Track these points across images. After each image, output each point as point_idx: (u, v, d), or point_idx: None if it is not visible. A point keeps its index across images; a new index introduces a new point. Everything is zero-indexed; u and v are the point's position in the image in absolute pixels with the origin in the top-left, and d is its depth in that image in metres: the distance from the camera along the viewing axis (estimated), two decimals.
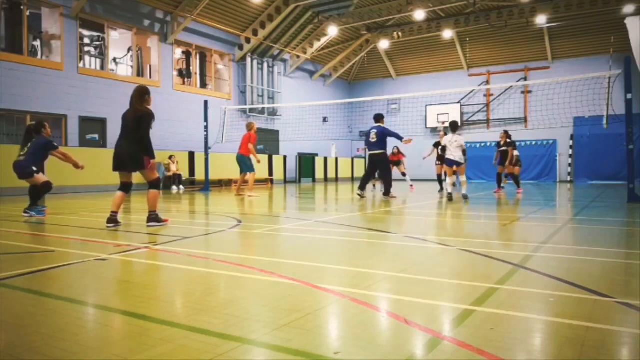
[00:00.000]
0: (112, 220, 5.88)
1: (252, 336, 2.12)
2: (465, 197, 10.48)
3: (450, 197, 10.46)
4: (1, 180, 11.74)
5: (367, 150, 11.67)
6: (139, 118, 5.75)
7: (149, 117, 5.81)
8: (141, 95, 5.86)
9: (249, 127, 12.26)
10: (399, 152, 15.38)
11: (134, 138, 5.77)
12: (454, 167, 10.78)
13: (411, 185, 15.35)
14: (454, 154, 10.58)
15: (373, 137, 11.09)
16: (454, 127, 10.78)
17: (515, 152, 14.26)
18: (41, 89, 14.06)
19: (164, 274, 3.53)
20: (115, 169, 5.94)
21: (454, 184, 18.94)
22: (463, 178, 10.78)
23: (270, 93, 22.14)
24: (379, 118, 11.42)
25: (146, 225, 5.96)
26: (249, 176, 12.10)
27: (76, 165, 7.65)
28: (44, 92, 14.09)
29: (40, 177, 7.54)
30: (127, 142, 5.81)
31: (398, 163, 15.56)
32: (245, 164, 12.07)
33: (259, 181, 19.57)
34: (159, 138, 16.91)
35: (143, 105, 5.88)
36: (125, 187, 6.05)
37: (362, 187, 11.39)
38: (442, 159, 14.89)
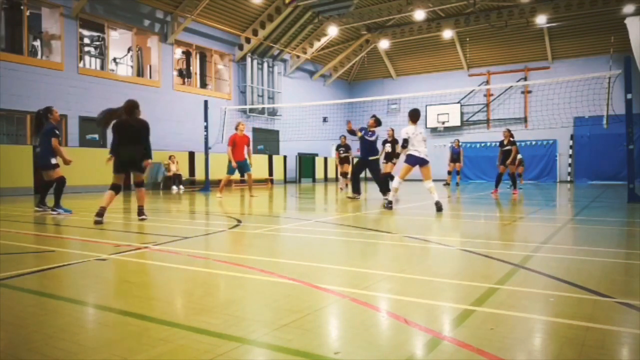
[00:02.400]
0: (101, 214, 6.34)
1: (252, 336, 2.12)
2: (439, 207, 7.81)
3: (390, 206, 8.19)
4: (1, 180, 11.73)
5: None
6: (144, 128, 6.69)
7: (148, 126, 6.79)
8: (138, 107, 6.74)
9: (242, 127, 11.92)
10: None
11: (139, 144, 6.62)
12: (417, 167, 8.11)
13: (341, 188, 15.08)
14: (419, 149, 7.98)
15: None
16: (416, 115, 8.19)
17: (519, 156, 14.51)
18: (41, 89, 14.05)
19: (164, 274, 3.53)
20: (120, 171, 6.70)
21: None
22: (430, 183, 8.08)
23: (270, 93, 22.14)
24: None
25: (138, 218, 6.63)
26: (224, 177, 12.04)
27: (65, 161, 7.70)
28: (44, 92, 14.08)
29: (56, 172, 7.61)
30: (135, 148, 6.59)
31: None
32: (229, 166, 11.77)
33: (259, 181, 19.57)
34: (159, 138, 16.89)
35: (139, 116, 6.78)
36: (118, 188, 6.71)
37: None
38: (389, 157, 12.64)
